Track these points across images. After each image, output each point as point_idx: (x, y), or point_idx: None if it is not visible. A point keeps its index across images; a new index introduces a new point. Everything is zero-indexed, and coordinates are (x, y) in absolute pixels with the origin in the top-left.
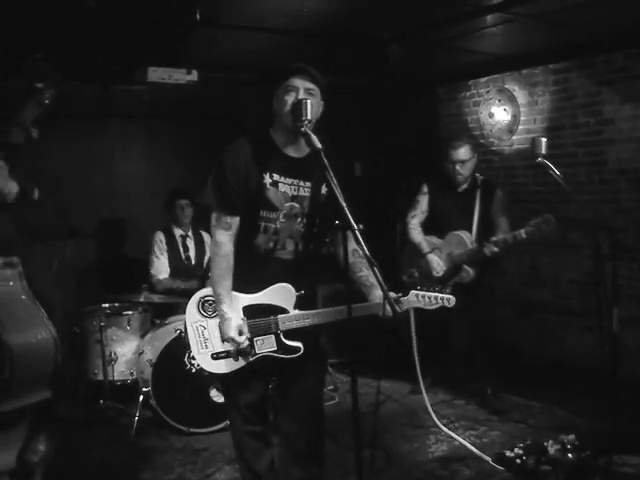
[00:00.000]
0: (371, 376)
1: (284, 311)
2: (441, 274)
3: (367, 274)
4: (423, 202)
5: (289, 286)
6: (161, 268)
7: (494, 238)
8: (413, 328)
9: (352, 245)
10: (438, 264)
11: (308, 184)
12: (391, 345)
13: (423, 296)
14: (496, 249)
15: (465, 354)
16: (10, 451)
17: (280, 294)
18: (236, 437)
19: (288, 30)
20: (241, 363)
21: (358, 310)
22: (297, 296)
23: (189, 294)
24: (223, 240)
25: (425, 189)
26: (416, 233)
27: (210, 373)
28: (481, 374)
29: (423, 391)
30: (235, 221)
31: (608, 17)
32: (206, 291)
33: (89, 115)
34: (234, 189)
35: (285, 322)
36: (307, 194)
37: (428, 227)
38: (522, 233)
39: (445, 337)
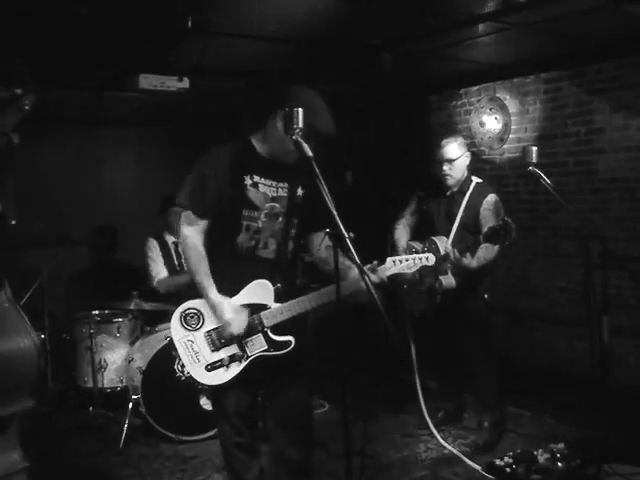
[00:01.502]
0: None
1: (265, 307)
2: (408, 276)
3: (342, 259)
4: (412, 205)
5: (265, 281)
6: (160, 270)
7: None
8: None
9: (325, 242)
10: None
11: (285, 185)
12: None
13: (400, 260)
14: (459, 256)
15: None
16: (7, 453)
17: (258, 291)
18: (225, 449)
19: (279, 38)
20: (235, 370)
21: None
22: (275, 289)
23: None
24: (190, 233)
25: (416, 192)
26: (397, 233)
27: (209, 386)
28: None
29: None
30: (204, 223)
31: (599, 27)
32: (185, 304)
33: (80, 122)
34: (209, 192)
35: (269, 318)
36: (285, 194)
37: (417, 230)
38: (480, 237)
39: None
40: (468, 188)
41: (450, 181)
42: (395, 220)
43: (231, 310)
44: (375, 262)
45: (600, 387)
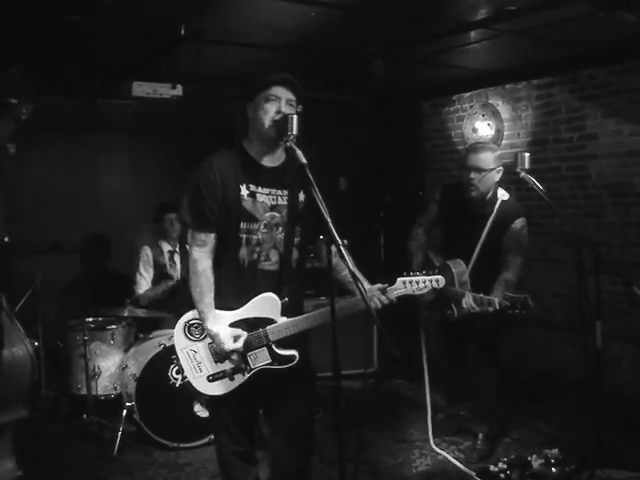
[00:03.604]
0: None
1: (271, 321)
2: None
3: (347, 273)
4: (432, 211)
5: (272, 295)
6: (143, 283)
7: (479, 295)
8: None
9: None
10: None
11: (285, 192)
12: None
13: (410, 282)
14: (475, 306)
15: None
16: (1, 462)
17: (265, 305)
18: (221, 457)
19: (273, 45)
20: (238, 382)
21: (346, 308)
22: (282, 304)
23: (172, 305)
24: (199, 257)
25: (437, 197)
26: (414, 244)
27: (210, 396)
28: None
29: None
30: (210, 238)
31: (591, 33)
32: (189, 315)
33: (74, 129)
34: (209, 206)
35: (275, 332)
36: (285, 202)
37: (435, 239)
38: (495, 303)
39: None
40: (492, 209)
41: (474, 192)
42: (388, 231)
43: (229, 338)
44: (386, 284)
45: (594, 392)
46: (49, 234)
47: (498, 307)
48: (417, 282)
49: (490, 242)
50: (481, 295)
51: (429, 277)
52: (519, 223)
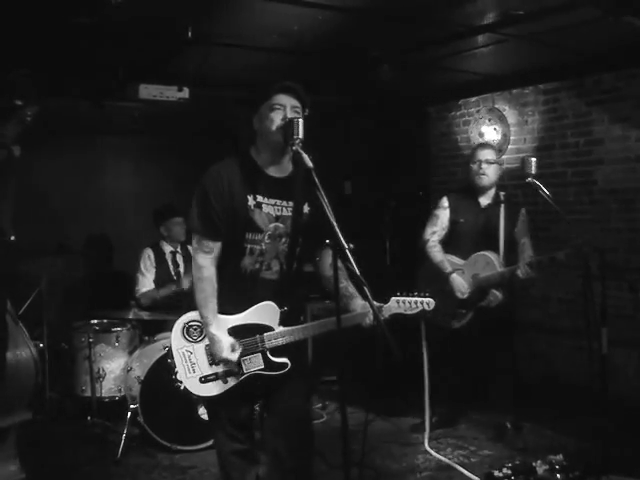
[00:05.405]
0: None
1: (269, 329)
2: (466, 296)
3: (346, 285)
4: (444, 217)
5: (272, 304)
6: (145, 283)
7: (528, 259)
8: (426, 362)
9: (329, 260)
10: (462, 285)
11: (290, 204)
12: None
13: (404, 301)
14: (531, 271)
15: (478, 380)
16: (5, 464)
17: (264, 312)
18: (221, 457)
19: (279, 48)
20: (230, 384)
21: (342, 322)
22: (281, 313)
23: (176, 307)
24: (205, 264)
25: (445, 203)
26: (436, 251)
27: (199, 397)
28: (500, 406)
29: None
30: (217, 246)
31: (598, 38)
32: (190, 316)
33: (80, 131)
34: (218, 215)
35: (271, 340)
36: (290, 214)
37: (446, 244)
38: (561, 255)
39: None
40: (501, 200)
41: (485, 180)
42: (391, 235)
43: (229, 348)
44: (381, 303)
45: (599, 398)
46: (54, 236)
47: (564, 257)
48: (409, 302)
49: (509, 229)
50: (538, 258)
51: (421, 299)
52: (524, 210)
